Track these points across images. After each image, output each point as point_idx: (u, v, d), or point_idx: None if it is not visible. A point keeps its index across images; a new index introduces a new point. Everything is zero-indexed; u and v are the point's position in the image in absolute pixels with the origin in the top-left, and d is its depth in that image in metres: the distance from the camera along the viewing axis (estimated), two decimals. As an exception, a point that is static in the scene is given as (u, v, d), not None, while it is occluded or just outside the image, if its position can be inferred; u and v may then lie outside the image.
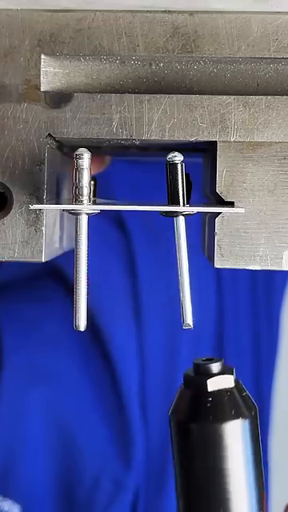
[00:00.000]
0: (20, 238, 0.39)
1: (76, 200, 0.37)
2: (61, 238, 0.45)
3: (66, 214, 0.46)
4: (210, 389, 0.35)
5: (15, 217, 0.39)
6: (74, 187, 0.36)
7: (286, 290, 0.92)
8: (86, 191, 0.37)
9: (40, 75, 0.39)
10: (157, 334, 0.81)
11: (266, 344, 0.91)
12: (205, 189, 0.47)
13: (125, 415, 0.78)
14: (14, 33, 0.39)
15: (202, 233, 0.47)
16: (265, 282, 0.89)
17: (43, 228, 0.39)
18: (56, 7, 0.38)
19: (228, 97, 0.39)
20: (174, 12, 0.38)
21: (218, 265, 0.39)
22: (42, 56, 0.39)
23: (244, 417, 0.34)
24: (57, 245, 0.44)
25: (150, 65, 0.39)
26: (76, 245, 0.37)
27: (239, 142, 0.39)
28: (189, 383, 0.36)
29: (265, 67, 0.39)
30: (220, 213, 0.39)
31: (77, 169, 0.36)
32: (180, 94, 0.39)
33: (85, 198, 0.37)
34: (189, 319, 0.36)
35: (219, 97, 0.39)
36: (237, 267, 0.40)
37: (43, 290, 0.79)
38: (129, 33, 0.39)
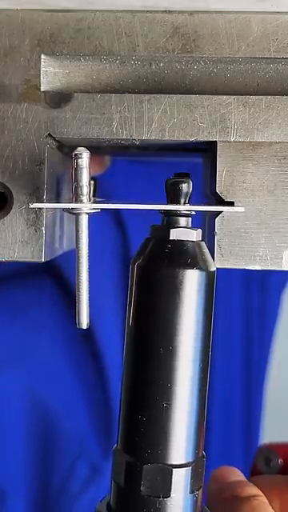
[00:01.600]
0: (20, 238, 0.39)
1: (76, 199, 0.37)
2: (61, 238, 0.45)
3: (65, 214, 0.46)
4: (171, 237, 0.36)
5: (15, 217, 0.39)
6: (73, 186, 0.36)
7: (281, 286, 0.92)
8: (85, 190, 0.37)
9: (40, 75, 0.39)
10: None
11: (257, 340, 0.91)
12: (205, 189, 0.47)
13: (107, 402, 0.78)
14: (14, 33, 0.39)
15: (202, 233, 0.47)
16: (260, 280, 0.89)
17: (43, 228, 0.39)
18: (56, 7, 0.38)
19: (228, 97, 0.39)
20: (174, 12, 0.38)
21: (218, 265, 0.39)
22: (42, 56, 0.39)
23: (199, 269, 0.35)
24: (57, 245, 0.44)
25: (150, 65, 0.39)
26: (77, 244, 0.37)
27: (239, 141, 0.39)
28: (153, 232, 0.37)
29: (265, 67, 0.39)
30: (220, 213, 0.39)
31: (76, 168, 0.36)
32: (180, 93, 0.39)
33: (84, 197, 0.37)
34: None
35: (219, 97, 0.39)
36: (237, 267, 0.40)
37: (37, 280, 0.80)
38: (129, 33, 0.39)
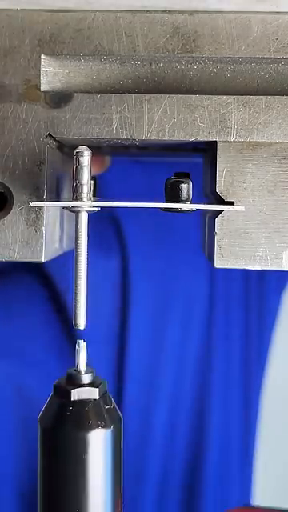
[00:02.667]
0: (20, 238, 0.39)
1: (76, 197, 0.37)
2: (61, 238, 0.45)
3: (65, 214, 0.46)
4: (73, 398, 0.36)
5: (15, 217, 0.39)
6: (73, 185, 0.36)
7: (280, 285, 0.92)
8: (85, 189, 0.37)
9: (40, 75, 0.39)
10: (143, 325, 0.82)
11: (256, 336, 0.91)
12: (205, 189, 0.47)
13: None
14: (14, 33, 0.39)
15: (202, 233, 0.47)
16: (258, 278, 0.89)
17: (43, 228, 0.39)
18: (56, 7, 0.38)
19: (228, 97, 0.39)
20: (174, 12, 0.38)
21: (217, 265, 0.39)
22: (42, 56, 0.39)
23: (104, 427, 0.36)
24: (57, 245, 0.44)
25: (150, 65, 0.39)
26: (76, 242, 0.37)
27: (239, 141, 0.39)
28: (57, 391, 0.37)
29: (265, 67, 0.39)
30: (220, 213, 0.39)
31: (77, 166, 0.36)
32: (180, 94, 0.39)
33: (85, 196, 0.37)
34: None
35: (219, 97, 0.39)
36: (237, 267, 0.40)
37: (21, 276, 0.80)
38: (129, 33, 0.39)
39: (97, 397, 0.37)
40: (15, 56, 0.39)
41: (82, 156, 0.36)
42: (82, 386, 0.37)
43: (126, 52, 0.39)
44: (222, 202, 0.40)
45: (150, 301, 0.82)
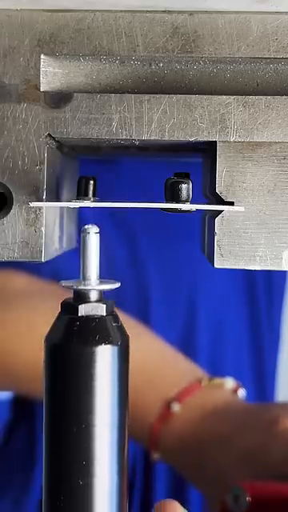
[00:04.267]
0: (20, 238, 0.39)
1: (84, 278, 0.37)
2: (60, 238, 0.45)
3: (65, 214, 0.46)
4: (80, 313, 0.36)
5: (15, 217, 0.39)
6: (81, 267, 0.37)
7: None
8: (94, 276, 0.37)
9: (40, 75, 0.39)
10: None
11: (266, 331, 0.92)
12: (205, 189, 0.47)
13: None
14: (14, 33, 0.39)
15: (202, 233, 0.47)
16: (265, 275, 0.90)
17: (43, 228, 0.39)
18: (56, 7, 0.38)
19: (228, 97, 0.39)
20: (174, 12, 0.38)
21: (217, 265, 0.39)
22: (42, 56, 0.39)
23: (111, 343, 0.36)
24: (57, 245, 0.44)
25: (150, 65, 0.39)
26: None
27: (239, 142, 0.39)
28: (64, 308, 0.37)
29: (265, 67, 0.39)
30: (220, 213, 0.39)
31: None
32: (180, 94, 0.39)
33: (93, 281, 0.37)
34: None
35: (219, 97, 0.39)
36: (237, 267, 0.40)
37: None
38: (128, 33, 0.39)
39: (104, 313, 0.36)
40: (15, 56, 0.39)
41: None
42: (90, 302, 0.36)
43: (125, 52, 0.39)
44: (221, 202, 0.40)
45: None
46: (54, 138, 0.39)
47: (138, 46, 0.39)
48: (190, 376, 0.69)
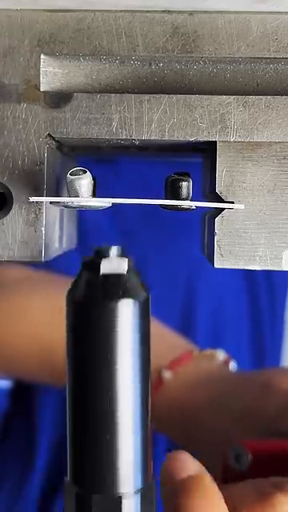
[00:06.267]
0: (20, 238, 0.39)
1: None
2: (60, 238, 0.45)
3: (65, 214, 0.46)
4: (102, 270, 0.36)
5: (15, 217, 0.39)
6: None
7: None
8: None
9: (40, 75, 0.39)
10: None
11: (268, 328, 0.92)
12: (205, 189, 0.47)
13: None
14: (14, 33, 0.39)
15: (202, 233, 0.47)
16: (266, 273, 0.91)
17: (43, 228, 0.39)
18: (56, 7, 0.38)
19: (228, 97, 0.39)
20: (174, 12, 0.38)
21: (217, 265, 0.39)
22: (42, 56, 0.39)
23: (134, 298, 0.36)
24: (56, 245, 0.44)
25: (150, 65, 0.39)
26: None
27: (239, 142, 0.39)
28: (85, 265, 0.37)
29: (265, 67, 0.39)
30: (220, 213, 0.39)
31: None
32: (180, 94, 0.39)
33: None
34: None
35: (219, 97, 0.39)
36: (236, 267, 0.40)
37: None
38: (128, 33, 0.39)
39: (125, 269, 0.36)
40: (15, 56, 0.39)
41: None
42: (111, 258, 0.36)
43: (125, 52, 0.39)
44: (221, 202, 0.40)
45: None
46: (53, 138, 0.39)
47: (137, 45, 0.39)
48: (182, 348, 0.70)
